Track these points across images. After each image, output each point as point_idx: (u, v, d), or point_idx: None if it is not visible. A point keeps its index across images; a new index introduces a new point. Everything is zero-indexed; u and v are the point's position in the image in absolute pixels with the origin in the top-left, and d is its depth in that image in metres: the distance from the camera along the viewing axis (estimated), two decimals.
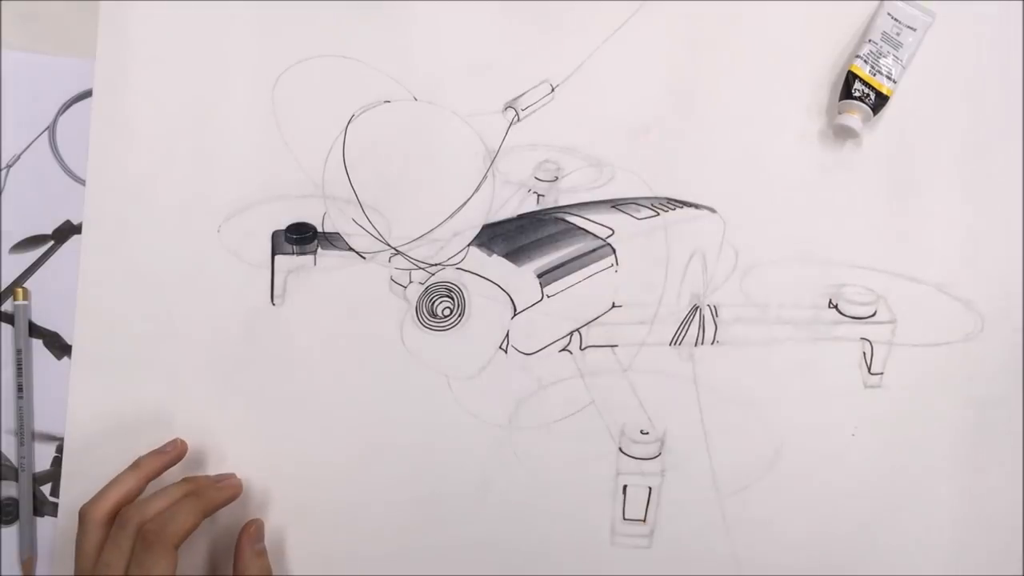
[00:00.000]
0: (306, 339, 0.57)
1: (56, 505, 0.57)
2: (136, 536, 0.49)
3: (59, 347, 0.58)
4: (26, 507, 0.57)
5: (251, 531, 0.54)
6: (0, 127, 0.58)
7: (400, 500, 0.56)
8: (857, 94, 0.56)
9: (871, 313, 0.56)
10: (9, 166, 0.58)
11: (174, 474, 0.54)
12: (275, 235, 0.58)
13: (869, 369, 0.56)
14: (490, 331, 0.57)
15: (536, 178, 0.58)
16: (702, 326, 0.56)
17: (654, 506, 0.56)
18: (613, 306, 0.57)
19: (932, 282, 0.56)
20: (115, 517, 0.51)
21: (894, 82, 0.56)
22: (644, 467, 0.56)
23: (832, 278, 0.56)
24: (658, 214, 0.57)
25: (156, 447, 0.55)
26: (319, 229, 0.58)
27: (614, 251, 0.57)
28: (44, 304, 0.58)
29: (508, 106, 0.58)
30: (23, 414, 0.57)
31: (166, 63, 0.58)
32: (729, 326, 0.56)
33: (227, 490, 0.54)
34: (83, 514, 0.51)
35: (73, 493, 0.56)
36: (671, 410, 0.56)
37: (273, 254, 0.57)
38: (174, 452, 0.54)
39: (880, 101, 0.56)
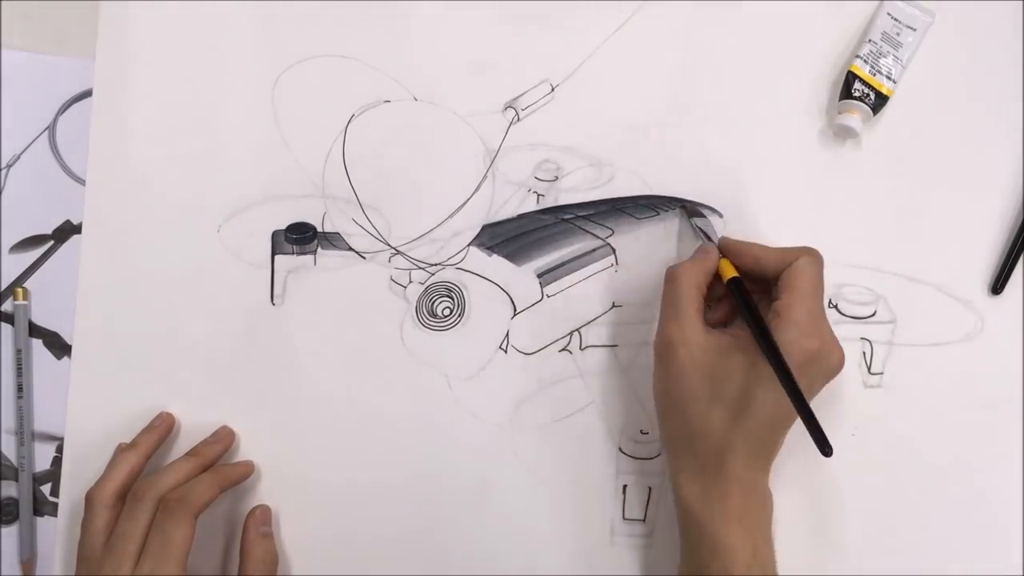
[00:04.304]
0: (306, 339, 0.57)
1: (56, 505, 0.57)
2: (155, 506, 0.50)
3: (59, 347, 0.58)
4: (26, 507, 0.57)
5: (256, 514, 0.55)
6: (0, 127, 0.58)
7: (400, 500, 0.56)
8: (857, 94, 0.56)
9: (871, 313, 0.56)
10: (9, 166, 0.58)
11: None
12: (275, 235, 0.58)
13: (869, 369, 0.56)
14: (490, 331, 0.57)
15: (536, 178, 0.58)
16: None
17: (654, 506, 0.56)
18: (613, 306, 0.57)
19: (932, 282, 0.56)
20: (122, 497, 0.52)
21: (894, 82, 0.56)
22: (644, 467, 0.56)
23: (832, 278, 0.56)
24: (658, 214, 0.57)
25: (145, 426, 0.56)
26: (319, 229, 0.58)
27: (614, 251, 0.57)
28: (44, 304, 0.58)
29: (508, 106, 0.58)
30: (23, 414, 0.57)
31: (166, 63, 0.59)
32: None
33: (240, 467, 0.55)
34: (90, 497, 0.52)
35: (73, 493, 0.56)
36: None
37: (273, 254, 0.57)
38: (163, 426, 0.55)
39: (880, 101, 0.56)
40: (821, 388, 0.50)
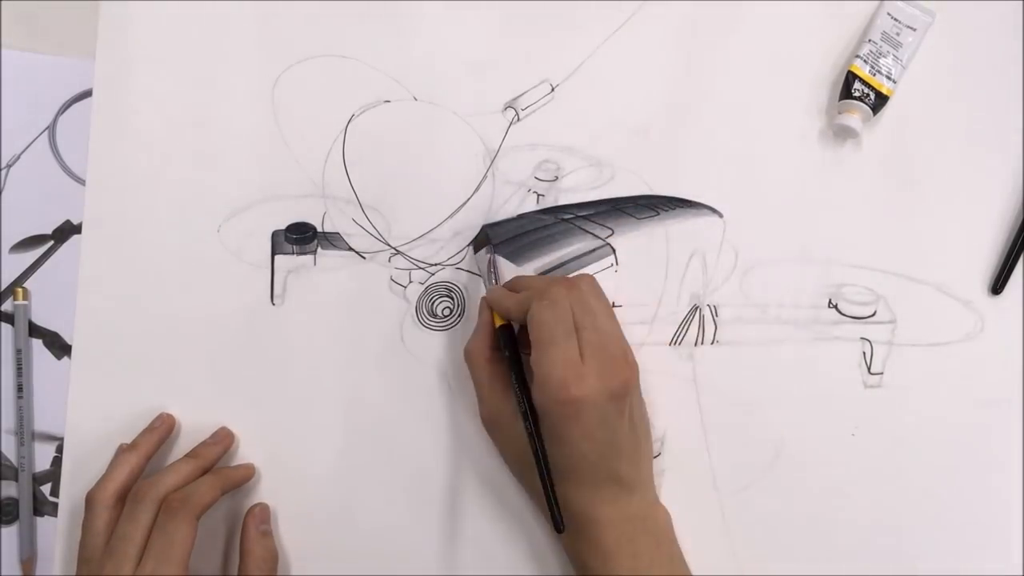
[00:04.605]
0: (306, 339, 0.57)
1: (56, 505, 0.57)
2: (157, 508, 0.51)
3: (59, 347, 0.58)
4: (26, 507, 0.57)
5: (256, 512, 0.55)
6: (0, 127, 0.58)
7: (399, 499, 0.56)
8: (857, 94, 0.56)
9: (871, 313, 0.56)
10: (9, 166, 0.58)
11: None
12: (275, 235, 0.58)
13: (869, 369, 0.56)
14: None
15: (536, 178, 0.58)
16: (702, 326, 0.57)
17: None
18: (613, 306, 0.57)
19: (932, 282, 0.56)
20: (123, 497, 0.52)
21: (894, 82, 0.56)
22: None
23: (832, 278, 0.56)
24: (658, 214, 0.57)
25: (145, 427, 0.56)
26: (319, 229, 0.58)
27: (614, 251, 0.57)
28: (44, 304, 0.58)
29: (508, 106, 0.58)
30: (23, 414, 0.57)
31: (166, 63, 0.59)
32: (729, 326, 0.56)
33: (242, 470, 0.56)
34: (90, 498, 0.52)
35: (73, 493, 0.56)
36: (671, 410, 0.56)
37: (273, 254, 0.57)
38: (163, 427, 0.56)
39: (880, 101, 0.56)
40: (628, 403, 0.49)
